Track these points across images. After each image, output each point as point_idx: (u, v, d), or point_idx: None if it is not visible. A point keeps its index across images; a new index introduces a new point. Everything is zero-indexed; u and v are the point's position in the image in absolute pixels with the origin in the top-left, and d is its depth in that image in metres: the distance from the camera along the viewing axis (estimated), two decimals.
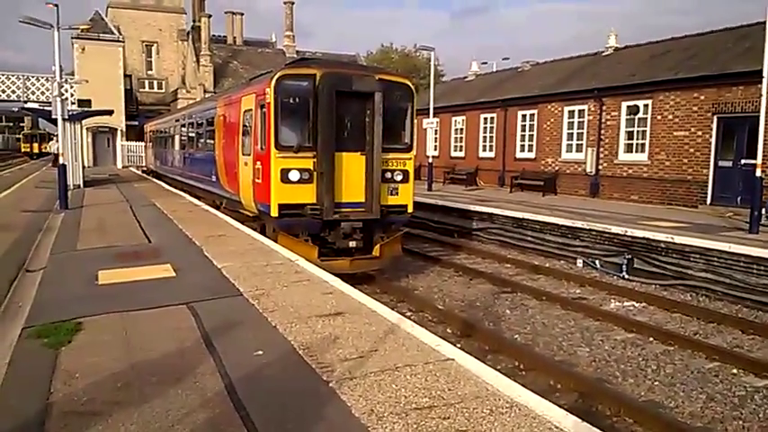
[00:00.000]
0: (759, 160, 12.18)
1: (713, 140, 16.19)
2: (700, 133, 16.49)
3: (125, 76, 41.18)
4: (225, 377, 4.23)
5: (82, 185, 21.23)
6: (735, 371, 7.17)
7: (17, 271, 8.37)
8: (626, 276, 11.93)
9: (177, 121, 21.54)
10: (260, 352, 4.73)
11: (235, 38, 51.87)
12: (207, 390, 4.03)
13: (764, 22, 11.42)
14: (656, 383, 6.85)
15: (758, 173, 12.19)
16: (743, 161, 15.24)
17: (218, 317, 5.66)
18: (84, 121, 24.78)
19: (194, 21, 49.50)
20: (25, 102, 37.18)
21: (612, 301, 10.48)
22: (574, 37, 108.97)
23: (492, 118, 25.45)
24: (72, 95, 34.45)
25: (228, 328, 5.33)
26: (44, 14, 16.99)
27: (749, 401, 6.39)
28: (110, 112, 27.14)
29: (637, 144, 18.57)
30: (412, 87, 11.14)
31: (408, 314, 8.87)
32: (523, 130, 23.61)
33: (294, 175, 9.97)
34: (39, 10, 17.02)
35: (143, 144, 35.85)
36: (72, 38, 36.13)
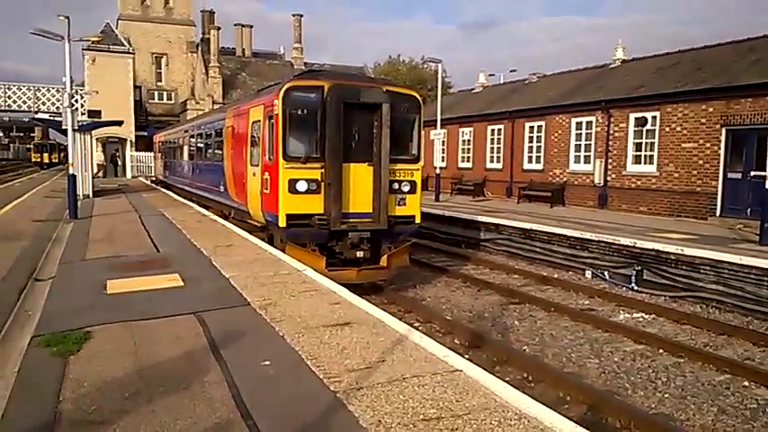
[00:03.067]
0: None
1: (722, 152, 16.10)
2: (708, 145, 16.43)
3: (135, 87, 41.59)
4: (232, 387, 4.23)
5: (91, 195, 21.37)
6: (746, 383, 7.10)
7: (27, 280, 8.42)
8: (635, 288, 11.85)
9: (186, 131, 21.69)
10: (267, 362, 4.73)
11: (244, 50, 52.31)
12: (214, 399, 4.03)
13: None
14: (667, 396, 6.79)
15: None
16: (752, 173, 15.15)
17: (226, 326, 5.66)
18: (94, 132, 25.00)
19: (203, 33, 49.99)
20: (36, 112, 37.63)
21: (622, 312, 10.40)
22: (580, 49, 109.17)
23: (499, 129, 25.46)
24: (82, 106, 34.70)
25: (236, 337, 5.34)
26: (56, 27, 17.26)
27: (761, 414, 6.32)
28: (119, 123, 27.38)
29: (645, 156, 18.50)
30: (419, 99, 11.18)
31: (416, 325, 8.85)
32: (531, 141, 23.59)
33: (302, 186, 10.00)
34: (52, 22, 17.28)
35: (152, 154, 36.11)
36: (83, 49, 36.56)
